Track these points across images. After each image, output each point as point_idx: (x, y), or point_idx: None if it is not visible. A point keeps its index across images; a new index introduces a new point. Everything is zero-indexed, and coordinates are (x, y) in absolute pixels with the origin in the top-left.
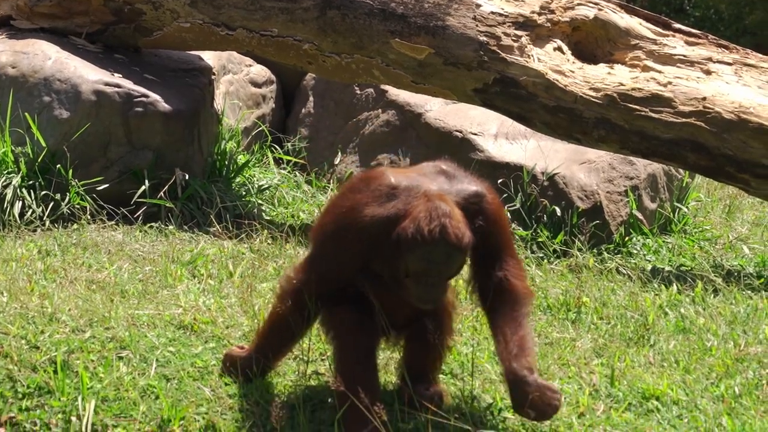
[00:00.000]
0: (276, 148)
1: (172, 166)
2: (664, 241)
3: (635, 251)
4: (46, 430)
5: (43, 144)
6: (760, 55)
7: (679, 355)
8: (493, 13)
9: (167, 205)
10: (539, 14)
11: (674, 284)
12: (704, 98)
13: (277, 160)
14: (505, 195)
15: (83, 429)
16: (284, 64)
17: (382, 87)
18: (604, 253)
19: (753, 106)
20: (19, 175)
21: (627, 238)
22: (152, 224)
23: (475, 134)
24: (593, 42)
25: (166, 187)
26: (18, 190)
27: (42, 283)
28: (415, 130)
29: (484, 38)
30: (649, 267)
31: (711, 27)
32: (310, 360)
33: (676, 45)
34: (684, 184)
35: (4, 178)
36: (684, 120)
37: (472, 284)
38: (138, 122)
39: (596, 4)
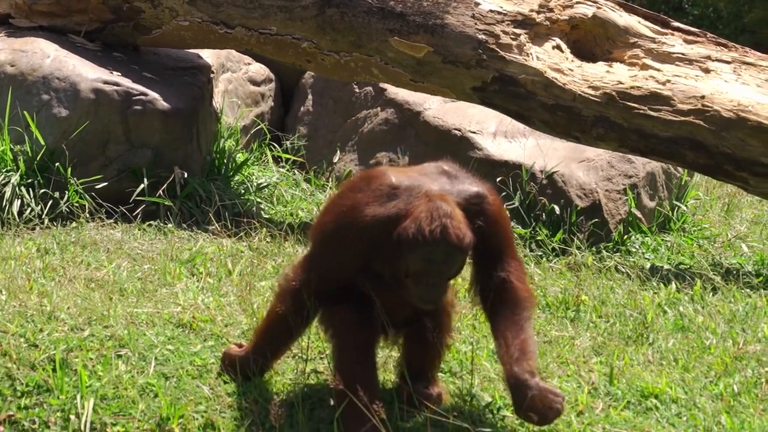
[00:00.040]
0: (275, 147)
1: (171, 165)
2: (662, 240)
3: (634, 249)
4: (45, 428)
5: (42, 142)
6: (759, 54)
7: (678, 353)
8: (491, 11)
9: (166, 203)
10: (538, 12)
11: (673, 282)
12: (703, 96)
13: (275, 159)
14: (503, 193)
15: (82, 427)
16: (283, 63)
17: (381, 85)
18: (603, 251)
19: (752, 104)
20: (18, 174)
21: (626, 237)
22: (151, 222)
23: (474, 133)
24: (592, 40)
25: (165, 185)
26: (17, 189)
27: (41, 282)
28: (414, 129)
29: (483, 36)
30: (647, 265)
31: (710, 25)
32: (309, 358)
33: (674, 43)
34: (683, 183)
35: (2, 176)
36: (683, 118)
37: (473, 285)
38: (137, 120)
39: (595, 2)
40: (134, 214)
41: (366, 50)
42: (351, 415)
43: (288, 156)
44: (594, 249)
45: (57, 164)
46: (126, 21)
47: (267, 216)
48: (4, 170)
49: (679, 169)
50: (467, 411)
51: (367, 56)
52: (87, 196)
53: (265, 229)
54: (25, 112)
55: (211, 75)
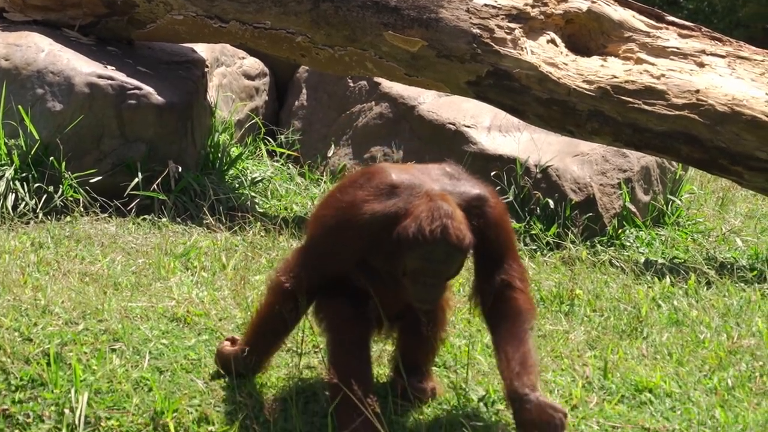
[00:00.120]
0: (269, 141)
1: (165, 159)
2: (657, 234)
3: (628, 244)
4: (39, 422)
5: (36, 136)
6: (754, 48)
7: (672, 347)
8: (486, 5)
9: (160, 197)
10: (532, 6)
11: (667, 276)
12: (697, 91)
13: (270, 153)
14: (498, 187)
15: (76, 421)
16: (277, 57)
17: (376, 79)
18: (597, 245)
19: (746, 98)
20: (12, 168)
21: (620, 231)
22: (145, 217)
23: (469, 127)
24: (587, 34)
25: (160, 179)
26: (11, 183)
27: (35, 276)
28: (409, 123)
29: (477, 31)
30: (642, 259)
31: (704, 20)
32: (303, 352)
33: (669, 37)
34: (677, 177)
35: None
36: (677, 112)
37: (474, 290)
38: (131, 115)
39: None
40: (128, 208)
41: (360, 44)
42: (345, 408)
43: (282, 150)
44: (588, 243)
45: (51, 158)
46: (120, 15)
47: (261, 210)
48: None
49: (674, 163)
50: (461, 404)
51: (361, 50)
52: (81, 190)
53: (259, 223)
54: (19, 107)
55: (206, 69)
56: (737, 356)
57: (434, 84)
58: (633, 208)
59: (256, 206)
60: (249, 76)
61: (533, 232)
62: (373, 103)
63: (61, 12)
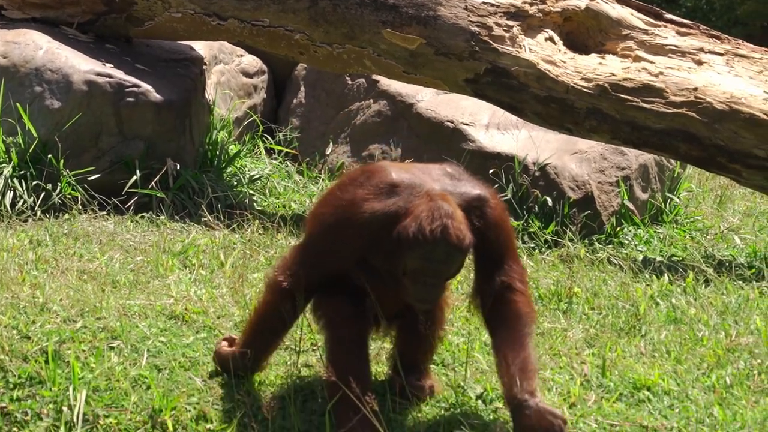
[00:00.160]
0: (267, 138)
1: (164, 156)
2: (655, 232)
3: (626, 241)
4: (37, 420)
5: (35, 134)
6: (752, 46)
7: (670, 345)
8: (484, 3)
9: (159, 195)
10: (531, 4)
11: (665, 274)
12: (696, 88)
13: (268, 150)
14: (496, 185)
15: (74, 419)
16: (276, 55)
17: (374, 77)
18: (596, 243)
19: (744, 96)
20: (11, 165)
21: (618, 229)
22: (144, 214)
23: (467, 124)
24: (585, 32)
25: (158, 177)
26: (9, 181)
27: (33, 274)
28: (407, 121)
29: (476, 28)
30: (640, 257)
31: (702, 17)
32: (302, 350)
33: (667, 35)
34: (675, 175)
35: None
36: (675, 110)
37: (474, 287)
38: (129, 112)
39: None
40: (127, 206)
41: (359, 42)
42: (343, 406)
43: (280, 148)
44: (586, 241)
45: (49, 156)
46: (118, 13)
47: (259, 208)
48: None
49: (672, 161)
50: (459, 402)
51: (359, 48)
52: (79, 188)
53: (257, 220)
54: (17, 104)
55: (204, 67)
56: (735, 354)
57: (432, 82)
58: (631, 206)
59: (255, 204)
60: (247, 74)
61: (531, 230)
62: (372, 100)
63: (60, 9)
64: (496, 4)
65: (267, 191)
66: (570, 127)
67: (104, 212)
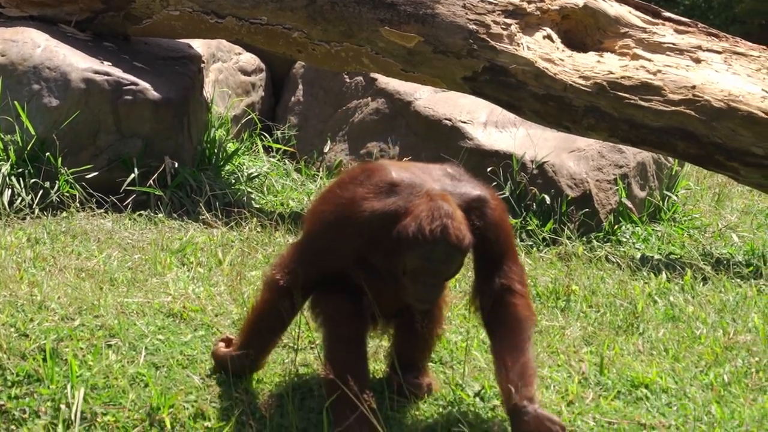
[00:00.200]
0: (265, 136)
1: (162, 154)
2: (653, 230)
3: (624, 239)
4: (35, 417)
5: (33, 132)
6: (750, 44)
7: (668, 343)
8: (482, 1)
9: (157, 193)
10: (529, 2)
11: (663, 272)
12: (694, 86)
13: (266, 148)
14: (494, 183)
15: (72, 417)
16: (274, 53)
17: (372, 75)
18: (594, 241)
19: (742, 94)
20: (9, 163)
21: (616, 227)
22: (141, 212)
23: (465, 122)
24: (583, 30)
25: (156, 175)
26: (7, 178)
27: (31, 271)
28: (405, 119)
29: (474, 26)
30: (638, 255)
31: (700, 15)
32: (300, 348)
33: (665, 33)
34: (673, 173)
35: None
36: (673, 108)
37: (473, 289)
38: (127, 110)
39: None
40: (125, 203)
41: (357, 40)
42: (341, 404)
43: (278, 146)
44: (584, 239)
45: (47, 154)
46: (116, 10)
47: (257, 206)
48: None
49: (670, 159)
50: (457, 400)
51: (357, 46)
52: (77, 186)
53: (255, 218)
54: (15, 102)
55: (202, 65)
56: (733, 352)
57: (430, 80)
58: (629, 204)
59: (253, 202)
60: (245, 72)
61: (529, 227)
62: (370, 98)
63: (58, 8)
64: (494, 2)
65: (265, 189)
66: (568, 125)
67: (102, 210)
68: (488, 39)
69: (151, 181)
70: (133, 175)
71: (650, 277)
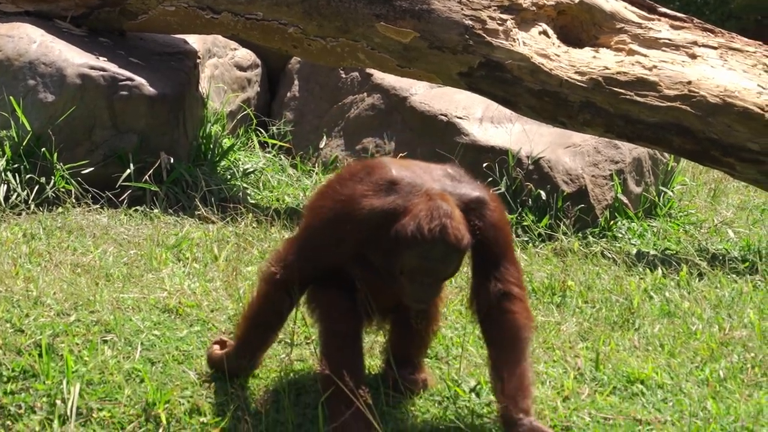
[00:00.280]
0: (261, 132)
1: (157, 150)
2: (649, 225)
3: (620, 235)
4: (31, 413)
5: (28, 127)
6: (746, 39)
7: (663, 338)
8: None
9: (152, 188)
10: None
11: (659, 268)
12: (689, 82)
13: (262, 144)
14: (490, 179)
15: (68, 412)
16: (269, 48)
17: (368, 71)
18: (589, 236)
19: (738, 90)
20: (4, 159)
21: (612, 222)
22: (137, 208)
23: (461, 118)
24: (578, 26)
25: (151, 170)
26: (3, 174)
27: (27, 267)
28: (401, 114)
29: (470, 22)
30: (634, 251)
31: (696, 11)
32: (295, 344)
33: (661, 29)
34: (669, 168)
35: None
36: (669, 104)
37: (471, 291)
38: (123, 106)
39: None
40: (120, 199)
41: (352, 36)
42: (336, 400)
43: (274, 141)
44: (580, 234)
45: (43, 149)
46: (112, 6)
47: (253, 201)
48: None
49: (666, 154)
50: (453, 396)
51: (353, 41)
52: (73, 182)
53: (251, 214)
54: (11, 98)
55: (198, 60)
56: (729, 348)
57: (426, 75)
58: (625, 200)
59: (248, 197)
60: (241, 67)
61: (525, 223)
62: (365, 94)
63: (53, 3)
64: None
65: (261, 185)
66: (564, 120)
67: (98, 206)
68: (484, 34)
69: (146, 176)
70: (128, 171)
71: (646, 273)
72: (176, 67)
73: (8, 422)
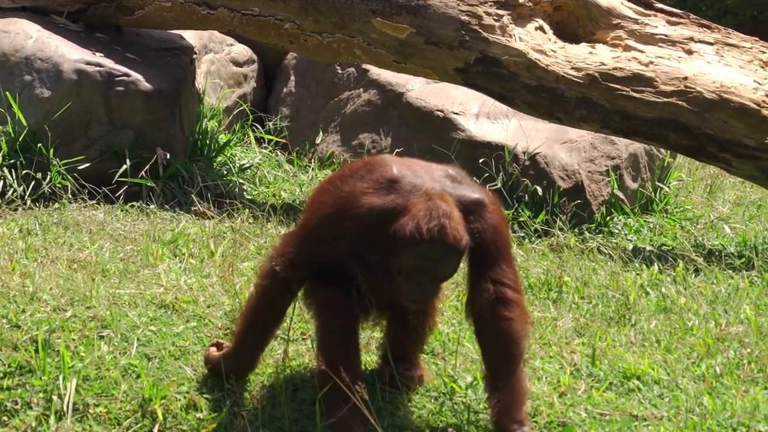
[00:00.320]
0: (257, 128)
1: (154, 146)
2: (645, 221)
3: (616, 231)
4: (27, 409)
5: (24, 123)
6: (742, 35)
7: (660, 334)
8: None
9: (148, 184)
10: None
11: (655, 264)
12: (686, 78)
13: (258, 140)
14: (486, 175)
15: (64, 408)
16: (266, 44)
17: (364, 66)
18: (586, 232)
19: (734, 85)
20: (0, 155)
21: (608, 218)
22: (133, 203)
23: (457, 114)
24: (575, 21)
25: (148, 166)
26: None
27: (23, 263)
28: (397, 110)
29: (466, 17)
30: (630, 246)
31: (692, 7)
32: (292, 340)
33: (657, 24)
34: (665, 164)
35: None
36: (665, 100)
37: (467, 295)
38: (119, 101)
39: None
40: (117, 195)
41: (349, 31)
42: (333, 396)
43: (270, 137)
44: (576, 230)
45: (39, 145)
46: (108, 2)
47: (249, 197)
48: None
49: (662, 150)
50: (449, 391)
51: (349, 37)
52: (69, 177)
53: (247, 210)
54: (7, 93)
55: (194, 56)
56: (725, 343)
57: (422, 71)
58: (621, 196)
59: (245, 193)
60: (237, 63)
61: (521, 219)
62: (362, 90)
63: None
64: None
65: (257, 180)
66: (560, 116)
67: (94, 201)
68: (480, 30)
69: (143, 172)
70: (125, 166)
71: (642, 269)
72: (172, 62)
73: (4, 418)
